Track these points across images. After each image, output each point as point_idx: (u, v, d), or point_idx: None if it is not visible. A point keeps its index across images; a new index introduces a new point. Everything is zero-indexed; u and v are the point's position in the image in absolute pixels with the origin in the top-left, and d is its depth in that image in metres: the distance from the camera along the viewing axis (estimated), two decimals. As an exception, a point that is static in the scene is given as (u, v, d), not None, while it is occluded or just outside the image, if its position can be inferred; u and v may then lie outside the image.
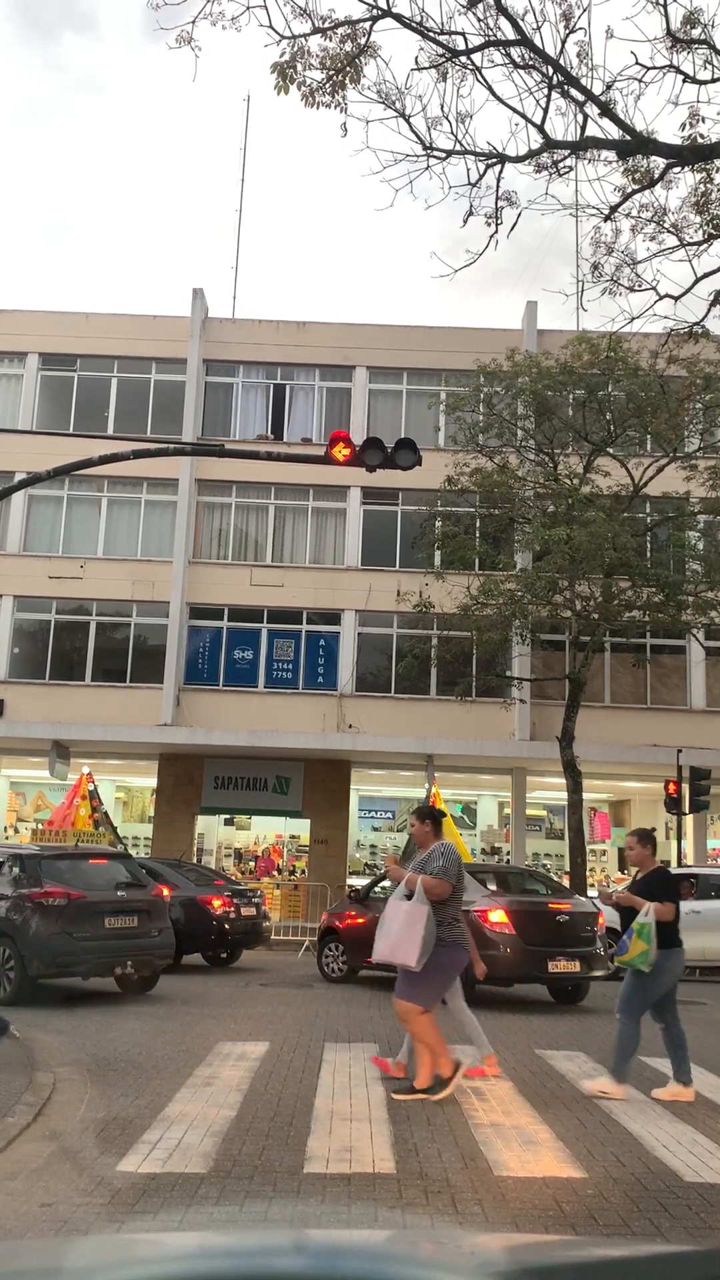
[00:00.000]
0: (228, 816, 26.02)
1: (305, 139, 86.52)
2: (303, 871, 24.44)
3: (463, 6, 8.47)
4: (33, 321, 26.75)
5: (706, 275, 9.29)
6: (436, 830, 7.55)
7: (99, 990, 12.23)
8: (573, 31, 8.44)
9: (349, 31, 8.61)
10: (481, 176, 8.92)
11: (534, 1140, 6.13)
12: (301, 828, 24.93)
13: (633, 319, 9.77)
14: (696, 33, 8.61)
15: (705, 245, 9.36)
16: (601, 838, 27.07)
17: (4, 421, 25.91)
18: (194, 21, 8.41)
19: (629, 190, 9.25)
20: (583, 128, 8.69)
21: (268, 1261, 1.69)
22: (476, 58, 8.64)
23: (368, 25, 8.56)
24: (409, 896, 7.02)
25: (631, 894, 7.67)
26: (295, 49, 8.56)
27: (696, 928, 15.69)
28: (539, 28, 8.41)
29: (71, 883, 11.37)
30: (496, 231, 9.08)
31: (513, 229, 9.14)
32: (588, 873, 21.28)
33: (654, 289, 9.72)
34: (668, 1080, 7.54)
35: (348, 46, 8.61)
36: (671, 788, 20.53)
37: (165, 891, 12.99)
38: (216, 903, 15.09)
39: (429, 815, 7.65)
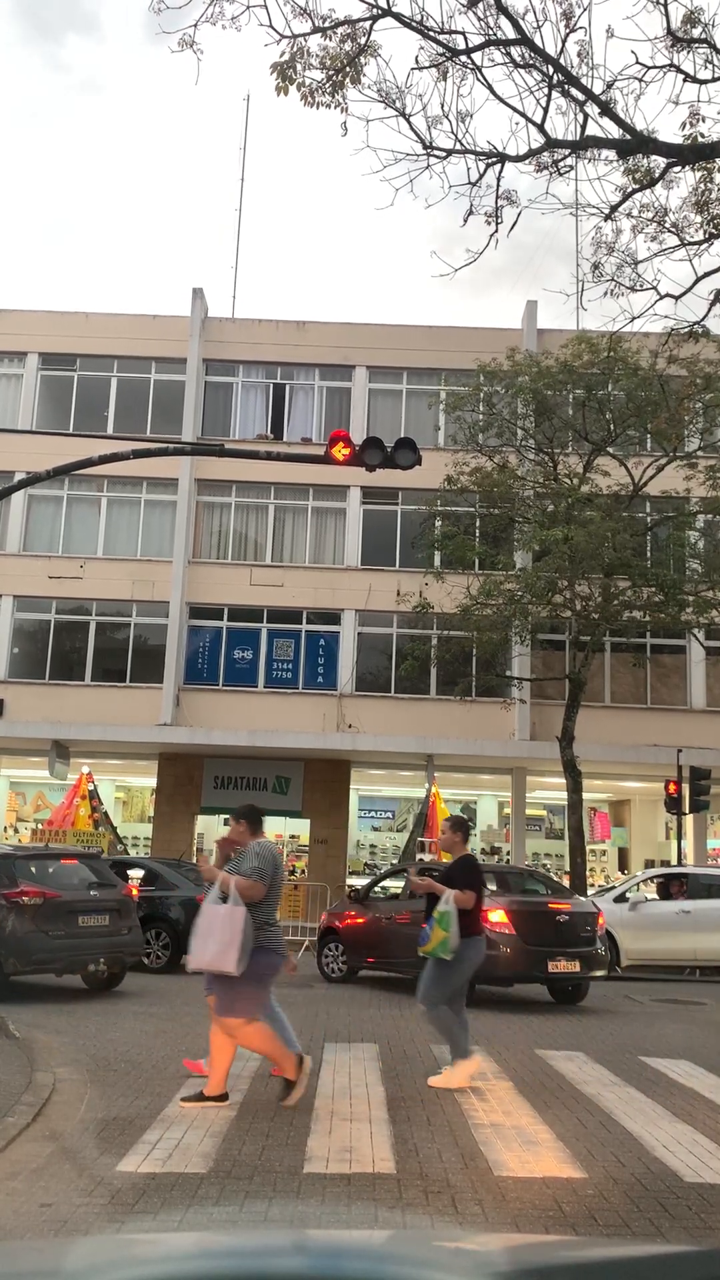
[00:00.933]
0: (228, 816, 25.98)
1: (305, 139, 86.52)
2: (302, 871, 24.42)
3: (463, 6, 8.47)
4: (33, 321, 26.74)
5: (707, 275, 9.29)
6: (253, 828, 7.15)
7: (99, 991, 12.23)
8: (573, 31, 8.44)
9: (349, 31, 8.60)
10: (482, 176, 8.92)
11: (534, 1140, 6.13)
12: (301, 828, 24.92)
13: (633, 319, 9.78)
14: (697, 32, 8.60)
15: (706, 245, 9.36)
16: (602, 838, 27.07)
17: (4, 421, 25.89)
18: (195, 25, 8.40)
19: (629, 190, 9.24)
20: (583, 127, 8.68)
21: (268, 1261, 1.69)
22: (477, 57, 8.63)
23: (368, 25, 8.55)
24: (225, 899, 6.63)
25: (434, 881, 7.70)
26: (295, 49, 8.55)
27: (687, 928, 15.72)
28: (539, 27, 8.42)
29: (46, 882, 11.64)
30: (497, 231, 9.08)
31: (513, 228, 9.14)
32: (588, 873, 21.27)
33: (654, 289, 9.72)
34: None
35: (348, 46, 8.60)
36: (671, 788, 20.52)
37: (134, 891, 13.35)
38: (216, 903, 15.06)
39: (244, 815, 7.23)
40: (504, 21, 8.36)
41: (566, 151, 8.89)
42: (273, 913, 6.89)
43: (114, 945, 11.94)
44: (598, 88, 8.66)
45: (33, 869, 11.86)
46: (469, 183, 8.97)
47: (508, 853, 24.69)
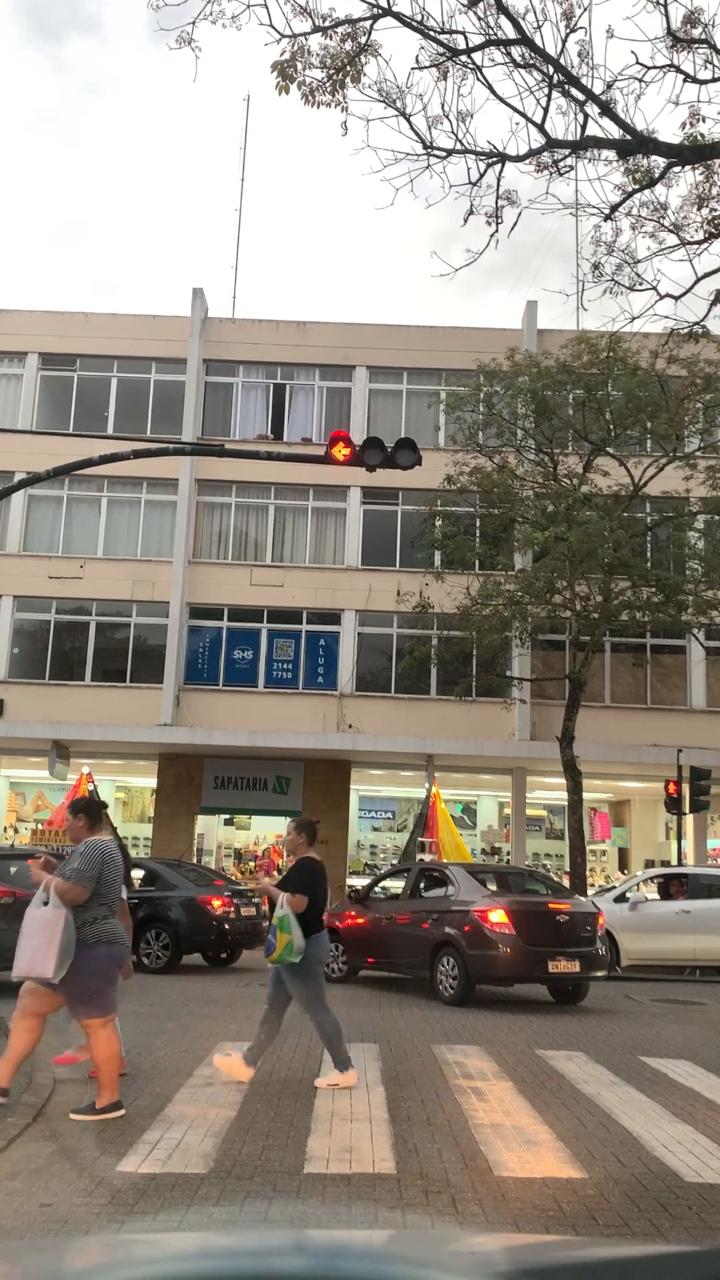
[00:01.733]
0: (228, 816, 26.02)
1: (305, 139, 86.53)
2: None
3: (463, 5, 8.47)
4: (33, 321, 26.74)
5: (707, 275, 9.29)
6: (91, 825, 6.81)
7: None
8: (573, 31, 8.44)
9: (349, 30, 8.60)
10: (482, 175, 8.92)
11: (534, 1140, 6.13)
12: (301, 828, 24.90)
13: (633, 319, 9.78)
14: (697, 32, 8.60)
15: (705, 244, 9.36)
16: (602, 838, 27.06)
17: (4, 421, 25.89)
18: (194, 22, 8.40)
19: (629, 189, 9.25)
20: (583, 127, 8.69)
21: (268, 1261, 1.69)
22: (477, 57, 8.64)
23: (368, 24, 8.56)
24: (46, 903, 6.40)
25: (271, 886, 7.77)
26: (295, 48, 8.55)
27: (687, 928, 15.72)
28: (539, 27, 8.42)
29: (14, 881, 11.67)
30: (497, 231, 9.08)
31: (513, 228, 9.14)
32: (588, 873, 21.27)
33: (654, 288, 9.72)
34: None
35: (348, 45, 8.60)
36: (671, 788, 20.52)
37: None
38: (216, 903, 15.08)
39: (81, 809, 6.90)
40: (504, 21, 8.36)
41: (566, 151, 8.90)
42: (105, 908, 6.61)
43: None
44: (598, 88, 8.67)
45: (1, 868, 12.08)
46: (469, 183, 8.98)
47: (508, 853, 24.69)
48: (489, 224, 9.12)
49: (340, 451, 11.13)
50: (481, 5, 8.42)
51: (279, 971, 7.58)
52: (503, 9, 8.28)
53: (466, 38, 8.59)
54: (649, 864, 24.58)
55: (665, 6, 8.42)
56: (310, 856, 7.83)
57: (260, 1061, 7.53)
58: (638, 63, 8.60)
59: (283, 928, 7.32)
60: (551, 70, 8.48)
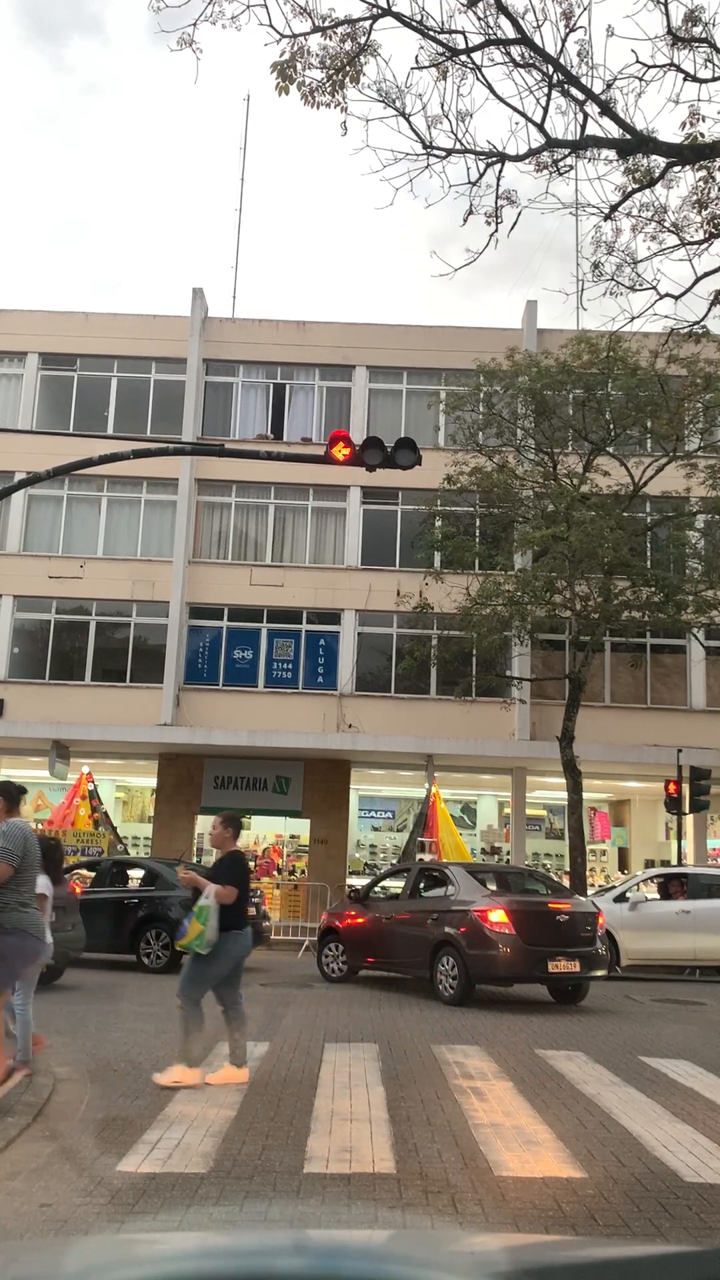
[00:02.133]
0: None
1: (305, 139, 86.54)
2: (303, 871, 24.42)
3: (463, 5, 8.46)
4: (33, 321, 26.73)
5: (707, 274, 9.28)
6: (9, 806, 6.90)
7: (99, 991, 12.23)
8: (573, 30, 8.43)
9: (349, 30, 8.59)
10: (482, 175, 8.91)
11: (534, 1140, 6.13)
12: (301, 828, 24.92)
13: (633, 318, 9.77)
14: (697, 31, 8.60)
15: (706, 244, 9.35)
16: (602, 838, 27.05)
17: (4, 421, 25.88)
18: (195, 23, 8.40)
19: (629, 189, 9.24)
20: (583, 127, 8.68)
21: (268, 1261, 1.69)
22: (477, 56, 8.63)
23: (368, 24, 8.55)
24: None
25: (196, 875, 7.76)
26: (295, 48, 8.55)
27: (687, 928, 15.72)
28: (539, 26, 8.41)
29: None
30: (497, 230, 9.08)
31: (513, 228, 9.13)
32: (588, 873, 21.26)
33: (654, 288, 9.71)
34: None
35: (348, 45, 8.59)
36: (671, 788, 20.52)
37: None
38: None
39: (1, 792, 6.97)
40: (504, 21, 8.36)
41: (566, 151, 8.89)
42: (25, 895, 6.68)
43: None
44: (597, 87, 8.66)
45: None
46: (469, 182, 8.97)
47: (508, 853, 24.68)
48: (489, 224, 9.12)
49: (340, 451, 11.13)
50: (481, 5, 8.42)
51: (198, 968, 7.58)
52: (502, 9, 8.28)
53: (466, 37, 8.59)
54: (649, 864, 24.58)
55: (665, 5, 8.42)
56: (238, 850, 7.86)
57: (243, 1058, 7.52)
58: (638, 61, 8.60)
59: (200, 917, 7.35)
60: (551, 70, 8.47)
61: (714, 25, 8.65)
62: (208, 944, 7.33)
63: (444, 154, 8.84)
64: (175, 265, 79.41)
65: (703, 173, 9.11)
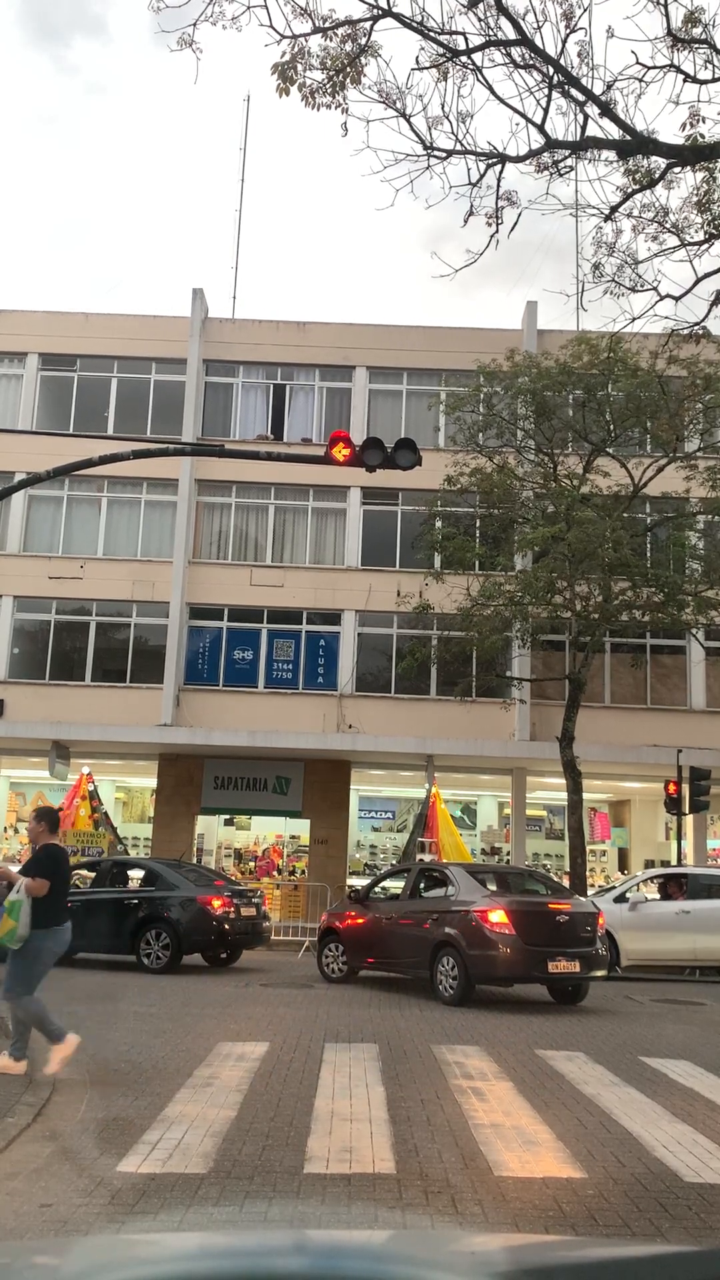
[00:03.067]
0: (228, 817, 26.00)
1: (305, 139, 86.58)
2: (303, 872, 24.42)
3: (463, 6, 8.47)
4: (33, 321, 26.73)
5: (707, 275, 9.28)
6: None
7: (98, 991, 12.23)
8: (573, 31, 8.43)
9: (349, 31, 8.59)
10: (482, 176, 8.91)
11: (534, 1140, 6.13)
12: (301, 828, 24.92)
13: (633, 319, 9.77)
14: (697, 32, 8.60)
15: (706, 245, 9.36)
16: (602, 838, 27.05)
17: (4, 421, 25.89)
18: (195, 24, 8.40)
19: (630, 190, 9.24)
20: (583, 128, 8.68)
21: (268, 1261, 1.69)
22: (477, 57, 8.63)
23: (368, 25, 8.55)
24: None
25: (7, 869, 7.87)
26: (296, 49, 8.54)
27: (687, 928, 15.72)
28: (539, 27, 8.41)
29: None
30: (497, 231, 9.07)
31: (513, 229, 9.13)
32: (588, 873, 21.26)
33: (654, 289, 9.71)
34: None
35: (348, 46, 8.60)
36: (671, 788, 20.52)
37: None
38: (216, 903, 15.08)
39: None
40: (504, 22, 8.36)
41: (567, 152, 8.89)
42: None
43: None
44: (598, 88, 8.66)
45: None
46: (469, 183, 8.97)
47: (508, 853, 24.68)
48: (489, 224, 9.12)
49: (340, 452, 11.14)
50: (481, 6, 8.42)
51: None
52: (503, 10, 8.28)
53: (466, 38, 8.59)
54: (649, 864, 24.57)
55: (665, 6, 8.42)
56: (55, 844, 7.86)
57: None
58: (638, 63, 8.60)
59: (11, 913, 7.37)
60: (551, 71, 8.47)
61: (714, 26, 8.65)
62: (19, 939, 7.35)
63: (444, 155, 8.84)
64: (175, 265, 79.47)
65: (703, 173, 9.11)
